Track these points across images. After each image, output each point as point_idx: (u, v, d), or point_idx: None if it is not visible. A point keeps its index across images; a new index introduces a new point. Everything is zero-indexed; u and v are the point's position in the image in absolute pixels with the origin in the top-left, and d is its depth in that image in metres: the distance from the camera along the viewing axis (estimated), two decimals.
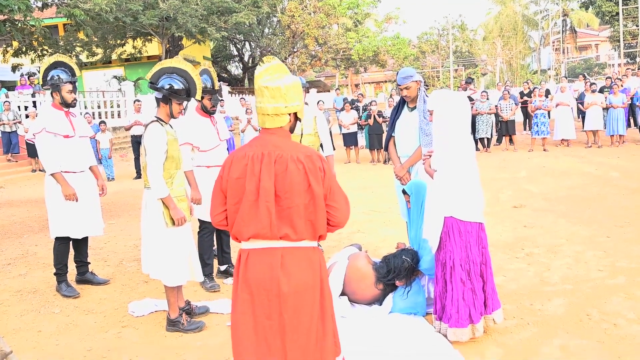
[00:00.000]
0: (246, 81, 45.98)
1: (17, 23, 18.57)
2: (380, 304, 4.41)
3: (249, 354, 2.50)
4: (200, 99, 4.94)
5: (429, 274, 4.34)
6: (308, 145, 5.89)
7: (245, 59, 45.88)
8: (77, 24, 20.19)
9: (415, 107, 4.83)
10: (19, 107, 16.93)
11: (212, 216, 2.60)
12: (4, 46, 22.91)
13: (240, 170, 2.47)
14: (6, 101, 15.81)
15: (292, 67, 39.84)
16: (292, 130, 2.62)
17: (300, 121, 2.64)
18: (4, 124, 15.06)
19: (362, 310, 4.41)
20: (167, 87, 4.10)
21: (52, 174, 4.91)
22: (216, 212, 2.57)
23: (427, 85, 49.16)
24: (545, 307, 4.39)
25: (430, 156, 3.93)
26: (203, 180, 4.95)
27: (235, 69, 49.71)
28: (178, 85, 4.10)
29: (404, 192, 4.64)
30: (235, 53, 45.30)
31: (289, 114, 2.54)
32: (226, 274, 5.40)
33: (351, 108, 15.20)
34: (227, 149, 13.63)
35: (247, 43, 42.42)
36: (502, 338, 3.90)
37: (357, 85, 52.82)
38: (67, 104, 5.08)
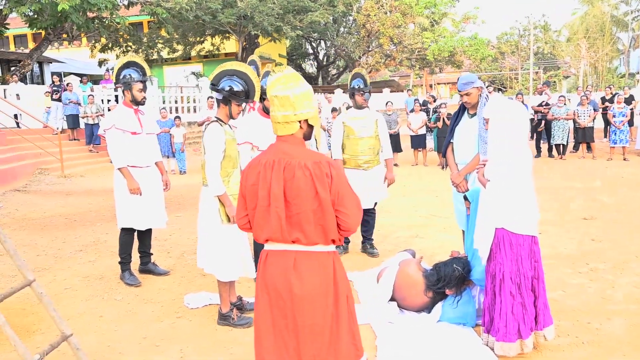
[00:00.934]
0: (320, 79, 46.35)
1: (104, 20, 19.65)
2: (429, 312, 4.36)
3: (268, 352, 2.59)
4: (261, 100, 5.05)
5: (480, 284, 4.24)
6: (370, 148, 5.92)
7: (320, 57, 46.25)
8: (160, 21, 21.09)
9: (475, 114, 4.73)
10: (102, 100, 17.90)
11: (236, 220, 2.71)
12: (93, 42, 24.29)
13: (254, 177, 2.57)
14: (90, 95, 16.74)
15: (366, 66, 39.80)
16: (307, 137, 2.66)
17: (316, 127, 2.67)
18: (87, 116, 15.97)
19: (411, 317, 4.38)
20: (227, 88, 4.23)
21: (119, 169, 5.18)
22: (240, 216, 2.69)
23: (504, 87, 47.88)
24: (603, 327, 4.19)
25: (484, 165, 3.84)
26: None
27: (310, 67, 50.24)
28: (237, 87, 4.22)
29: (465, 198, 4.57)
30: (311, 51, 45.77)
31: (299, 121, 2.58)
32: None
33: (421, 110, 15.02)
34: None
35: (322, 41, 42.75)
36: (554, 356, 3.76)
37: (431, 86, 52.06)
38: (137, 102, 5.33)
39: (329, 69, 47.31)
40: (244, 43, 28.07)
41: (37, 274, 5.75)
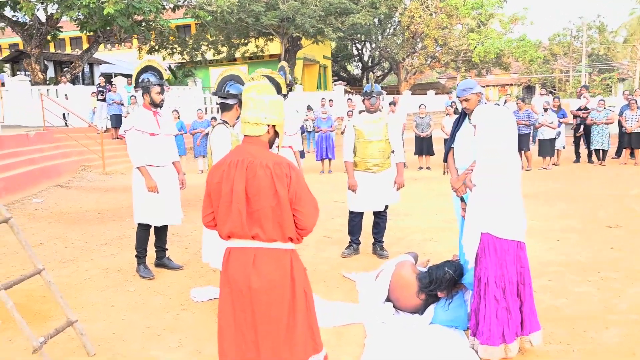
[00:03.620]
0: (364, 81, 46.40)
1: (150, 23, 20.34)
2: (422, 314, 4.44)
3: (229, 344, 2.77)
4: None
5: (472, 288, 4.30)
6: (380, 151, 6.02)
7: (365, 59, 46.30)
8: (202, 24, 21.67)
9: None
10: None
11: (202, 217, 2.89)
12: (141, 44, 25.15)
13: (219, 176, 2.75)
14: (133, 95, 17.36)
15: (410, 68, 39.59)
16: (271, 143, 2.84)
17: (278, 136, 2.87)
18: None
19: (404, 318, 4.47)
20: (233, 93, 4.46)
21: (137, 168, 5.47)
22: (205, 214, 2.86)
23: (554, 90, 46.63)
24: (599, 336, 4.16)
25: (472, 170, 3.91)
26: None
27: (355, 68, 50.38)
28: (239, 90, 4.44)
29: (462, 200, 4.63)
30: (355, 53, 45.86)
31: (268, 126, 2.77)
32: None
33: (455, 112, 14.92)
34: (326, 149, 13.82)
35: (367, 43, 42.78)
36: None
37: None
38: (155, 104, 5.61)
39: (374, 71, 47.28)
40: (287, 45, 28.43)
41: (62, 264, 6.13)
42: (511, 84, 56.83)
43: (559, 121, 14.01)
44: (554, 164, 14.07)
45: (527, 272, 3.83)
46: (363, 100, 6.12)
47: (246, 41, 29.20)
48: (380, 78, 48.29)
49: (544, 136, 13.67)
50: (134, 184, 5.65)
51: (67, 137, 14.84)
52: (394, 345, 4.04)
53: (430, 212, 8.80)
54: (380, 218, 6.32)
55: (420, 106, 14.62)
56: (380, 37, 39.11)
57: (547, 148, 13.73)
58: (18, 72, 23.39)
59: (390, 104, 15.04)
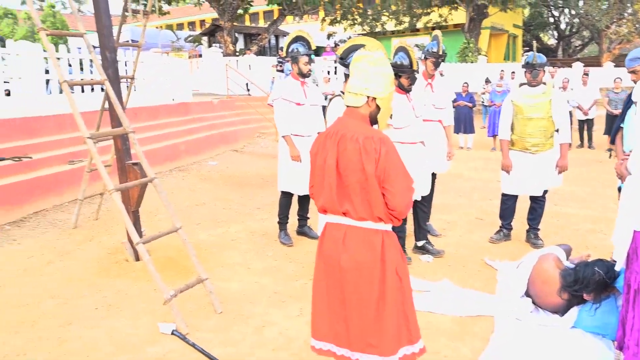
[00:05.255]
0: (560, 51, 42.59)
1: None
2: (562, 315, 3.93)
3: (322, 318, 2.71)
4: (397, 77, 4.87)
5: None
6: (540, 130, 5.43)
7: (562, 27, 42.35)
8: None
9: None
10: (322, 71, 19.02)
11: (309, 188, 2.81)
12: (325, 15, 25.83)
13: (317, 147, 2.67)
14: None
15: (615, 37, 35.28)
16: (372, 117, 2.63)
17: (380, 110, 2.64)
18: None
19: (540, 317, 4.00)
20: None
21: (282, 136, 5.60)
22: (310, 185, 2.78)
23: None
24: None
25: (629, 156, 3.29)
26: None
27: (549, 38, 46.41)
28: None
29: (619, 190, 4.00)
30: (551, 21, 42.12)
31: (367, 97, 2.58)
32: (423, 250, 5.43)
33: None
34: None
35: (565, 10, 39.04)
36: None
37: None
38: (303, 75, 5.67)
39: (572, 40, 43.08)
40: (472, 13, 27.04)
41: (216, 224, 6.57)
42: None
43: None
44: None
45: None
46: (525, 73, 5.53)
47: (429, 10, 28.38)
48: (578, 48, 43.93)
49: None
50: (279, 152, 5.81)
51: (248, 105, 15.86)
52: (522, 346, 3.64)
53: (608, 200, 7.79)
54: (537, 203, 5.73)
55: (615, 80, 12.91)
56: (580, 2, 35.34)
57: None
58: (213, 45, 25.55)
59: (584, 75, 13.61)
